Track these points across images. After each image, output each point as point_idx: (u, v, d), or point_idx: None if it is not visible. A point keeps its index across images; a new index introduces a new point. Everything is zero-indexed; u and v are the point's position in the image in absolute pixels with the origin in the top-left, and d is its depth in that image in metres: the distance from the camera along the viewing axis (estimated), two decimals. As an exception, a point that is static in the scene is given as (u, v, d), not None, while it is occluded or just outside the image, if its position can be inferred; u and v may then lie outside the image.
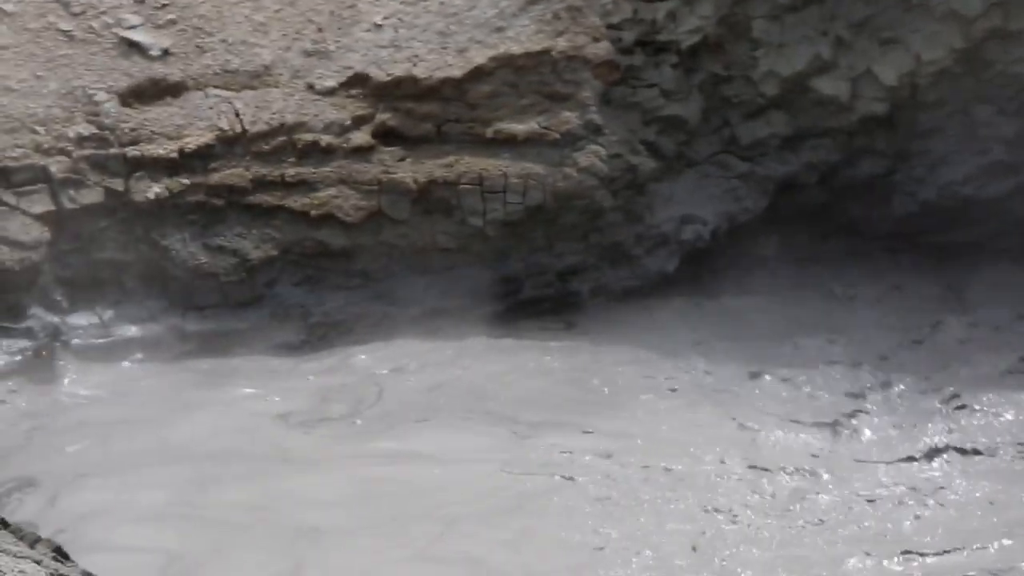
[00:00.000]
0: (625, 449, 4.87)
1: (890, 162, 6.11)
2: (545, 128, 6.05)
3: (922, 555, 4.18)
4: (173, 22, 6.11)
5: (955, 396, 5.16)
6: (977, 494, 4.55)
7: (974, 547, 4.20)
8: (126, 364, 5.66)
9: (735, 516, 4.41)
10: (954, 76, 5.93)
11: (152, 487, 4.68)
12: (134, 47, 6.01)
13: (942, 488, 4.58)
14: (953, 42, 5.86)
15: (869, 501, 4.51)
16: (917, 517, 4.39)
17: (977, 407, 5.08)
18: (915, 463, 4.76)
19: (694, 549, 4.24)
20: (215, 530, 4.39)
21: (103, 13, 6.00)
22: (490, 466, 4.80)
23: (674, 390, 5.39)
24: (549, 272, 6.11)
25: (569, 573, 4.14)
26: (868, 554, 4.17)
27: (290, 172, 5.94)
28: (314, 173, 5.97)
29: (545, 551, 4.27)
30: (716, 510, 4.44)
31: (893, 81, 5.93)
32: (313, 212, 5.93)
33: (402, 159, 6.03)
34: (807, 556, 4.21)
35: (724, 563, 4.17)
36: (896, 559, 4.17)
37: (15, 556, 3.42)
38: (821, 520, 4.40)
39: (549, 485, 4.65)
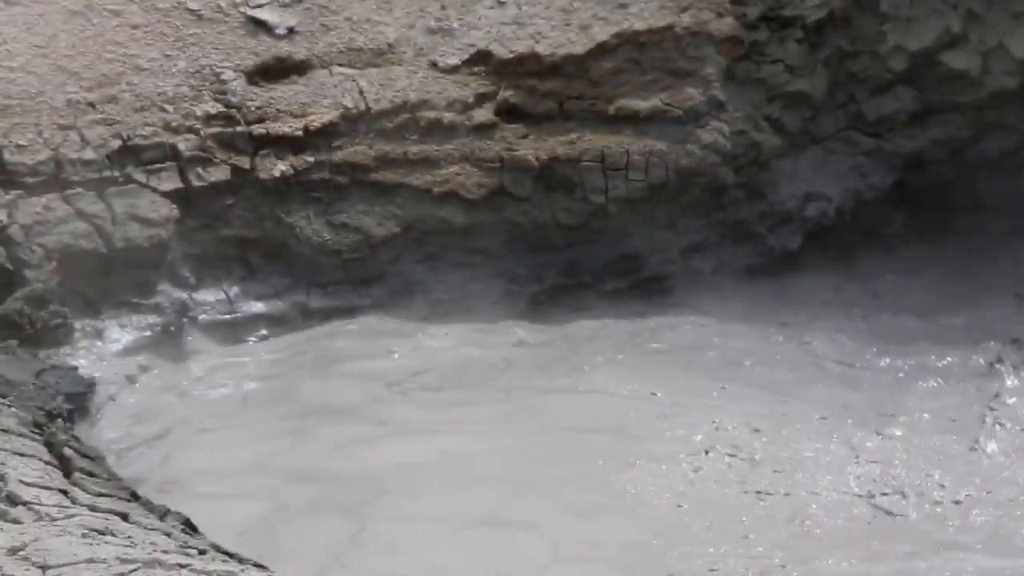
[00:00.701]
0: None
1: (1021, 138, 6.00)
2: (668, 104, 6.01)
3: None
4: (299, 0, 6.17)
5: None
6: None
7: None
8: (251, 340, 5.72)
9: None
10: (1093, 50, 5.83)
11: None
12: (260, 26, 6.06)
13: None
14: (1088, 14, 5.77)
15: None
16: None
17: None
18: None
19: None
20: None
21: (232, -8, 6.09)
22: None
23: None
24: (672, 249, 6.09)
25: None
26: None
27: (413, 150, 5.96)
28: (437, 151, 5.99)
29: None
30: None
31: (1025, 55, 5.85)
32: (435, 189, 5.95)
33: (524, 136, 6.03)
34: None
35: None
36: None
37: (146, 528, 3.47)
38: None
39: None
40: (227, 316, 5.77)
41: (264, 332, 5.78)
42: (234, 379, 5.55)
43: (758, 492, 4.33)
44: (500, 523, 4.17)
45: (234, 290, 5.84)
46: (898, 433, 4.69)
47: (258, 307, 5.82)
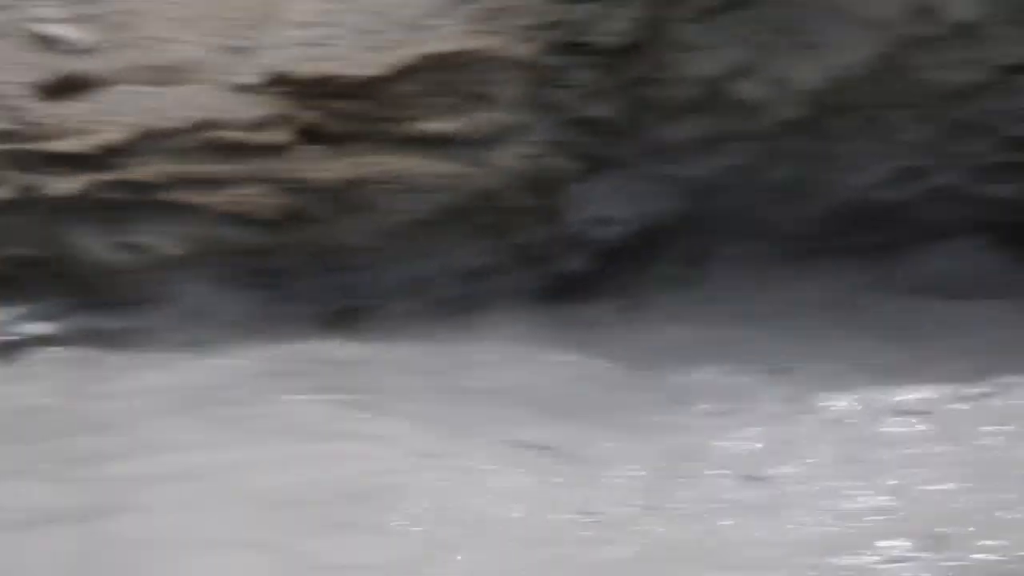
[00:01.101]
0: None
1: (805, 165, 6.16)
2: (467, 127, 6.03)
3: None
4: (94, 16, 6.06)
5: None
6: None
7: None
8: (30, 360, 5.59)
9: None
10: (870, 80, 6.00)
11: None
12: (53, 42, 5.96)
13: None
14: (872, 48, 5.95)
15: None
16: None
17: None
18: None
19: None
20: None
21: (19, 6, 5.98)
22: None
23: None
24: (462, 272, 6.13)
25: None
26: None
27: (208, 169, 5.88)
28: (233, 171, 5.92)
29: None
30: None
31: (811, 85, 6.00)
32: (231, 210, 5.90)
33: (323, 157, 5.99)
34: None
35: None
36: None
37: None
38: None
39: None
40: (5, 337, 5.66)
41: (43, 353, 5.66)
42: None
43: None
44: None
45: (16, 311, 5.73)
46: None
47: (39, 328, 5.72)
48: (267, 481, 4.39)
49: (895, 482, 4.22)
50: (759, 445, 4.83)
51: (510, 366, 5.53)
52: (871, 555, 3.64)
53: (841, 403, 5.05)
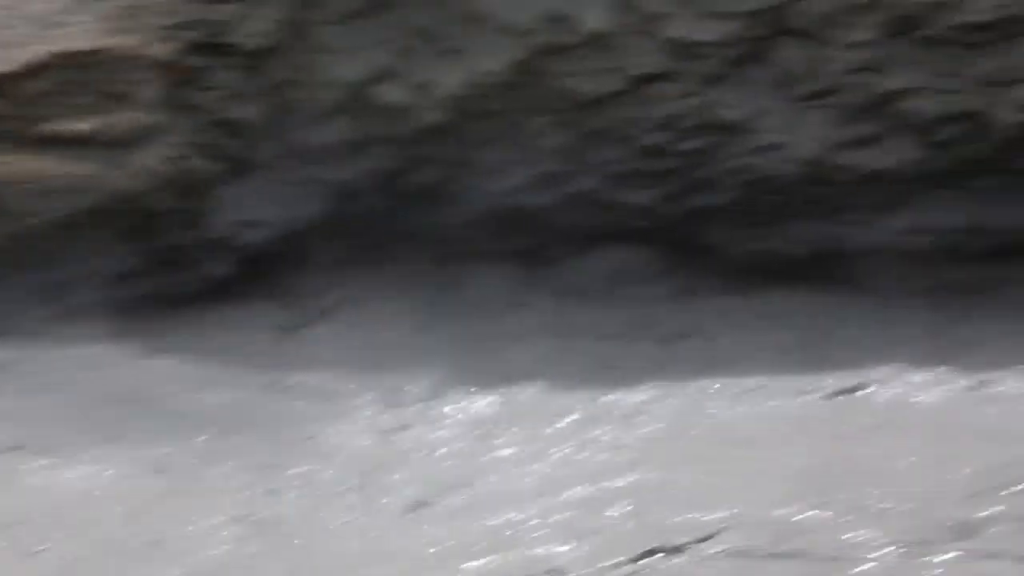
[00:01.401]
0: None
1: (448, 170, 6.21)
2: (104, 128, 5.91)
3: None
4: None
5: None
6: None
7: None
8: None
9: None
10: (511, 87, 6.07)
11: None
12: None
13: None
14: (510, 55, 6.00)
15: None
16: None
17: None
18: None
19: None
20: None
21: None
22: None
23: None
24: (105, 275, 6.00)
25: None
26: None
27: None
28: None
29: None
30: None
31: (453, 91, 6.04)
32: None
33: (-51, 157, 5.82)
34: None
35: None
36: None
37: None
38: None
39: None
40: None
41: None
42: None
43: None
44: None
45: None
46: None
47: None
48: None
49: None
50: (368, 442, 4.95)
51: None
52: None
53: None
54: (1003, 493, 3.99)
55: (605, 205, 6.26)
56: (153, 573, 3.74)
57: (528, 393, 5.26)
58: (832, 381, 5.32)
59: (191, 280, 6.09)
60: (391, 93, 6.05)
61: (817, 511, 3.94)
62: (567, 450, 4.74)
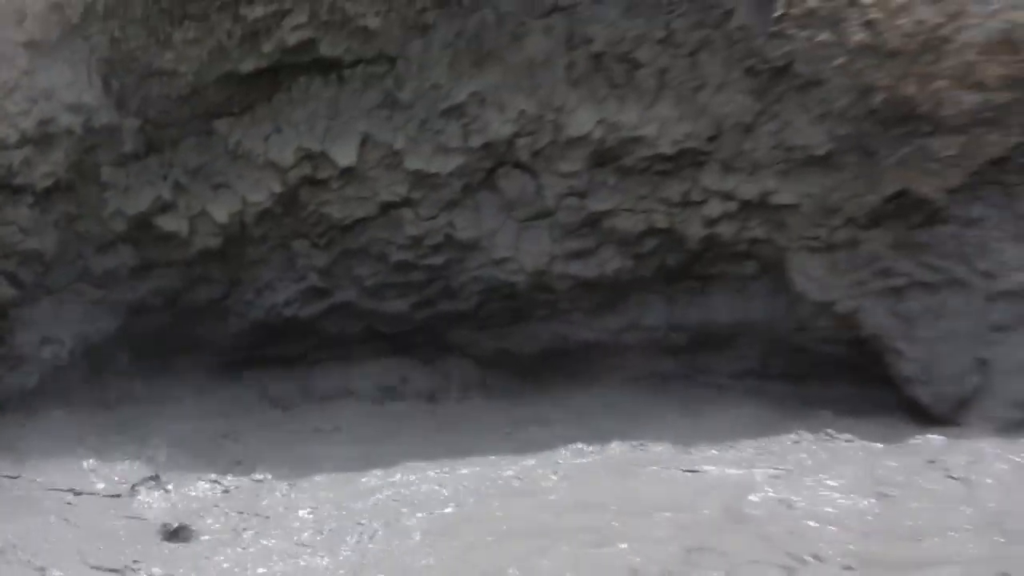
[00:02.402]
0: None
1: (225, 287, 7.10)
2: (-92, 261, 6.66)
3: None
4: None
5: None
6: None
7: None
8: None
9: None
10: (275, 215, 7.02)
11: None
12: None
13: None
14: (272, 187, 6.94)
15: None
16: None
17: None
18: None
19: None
20: None
21: None
22: None
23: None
24: None
25: None
26: None
27: None
28: None
29: None
30: None
31: (224, 219, 6.95)
32: None
33: None
34: None
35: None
36: None
37: None
38: None
39: None
40: None
41: None
42: None
43: None
44: None
45: None
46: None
47: None
48: None
49: None
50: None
51: None
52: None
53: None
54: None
55: (364, 313, 7.18)
56: None
57: (256, 483, 6.00)
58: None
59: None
60: (170, 223, 6.93)
61: None
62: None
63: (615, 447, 6.00)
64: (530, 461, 5.90)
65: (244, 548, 5.13)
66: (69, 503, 5.78)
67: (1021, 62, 5.60)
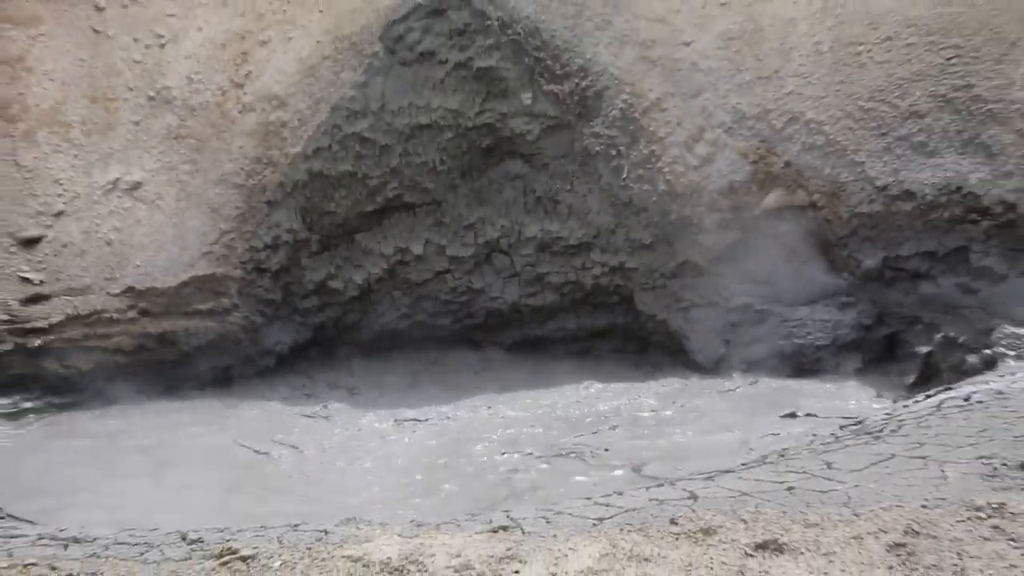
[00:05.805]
0: None
1: (360, 315, 14.28)
2: (213, 306, 13.85)
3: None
4: None
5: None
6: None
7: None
8: None
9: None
10: (383, 279, 14.17)
11: None
12: None
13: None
14: (382, 265, 14.10)
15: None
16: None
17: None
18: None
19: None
20: None
21: None
22: None
23: None
24: None
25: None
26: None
27: None
28: None
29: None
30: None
31: (360, 281, 14.11)
32: None
33: None
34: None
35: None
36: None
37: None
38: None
39: None
40: None
41: None
42: None
43: None
44: None
45: None
46: None
47: None
48: None
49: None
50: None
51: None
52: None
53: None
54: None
55: (427, 326, 14.35)
56: None
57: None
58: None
59: None
60: (335, 284, 14.11)
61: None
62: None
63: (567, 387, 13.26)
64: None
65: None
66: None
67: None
